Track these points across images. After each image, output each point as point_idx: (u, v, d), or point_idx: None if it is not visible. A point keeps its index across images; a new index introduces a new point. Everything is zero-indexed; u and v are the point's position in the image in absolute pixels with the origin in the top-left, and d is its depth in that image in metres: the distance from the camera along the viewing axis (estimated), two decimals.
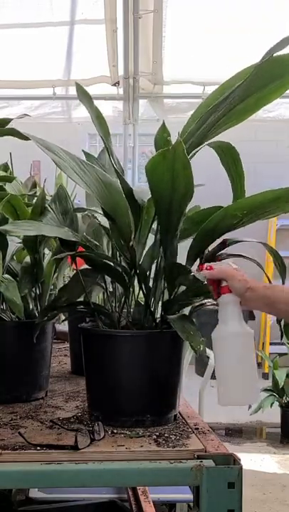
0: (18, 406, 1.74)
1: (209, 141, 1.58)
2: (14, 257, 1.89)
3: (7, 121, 1.71)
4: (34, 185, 2.38)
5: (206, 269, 1.51)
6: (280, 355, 5.05)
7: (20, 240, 1.89)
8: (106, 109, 5.95)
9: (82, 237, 1.70)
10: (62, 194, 1.76)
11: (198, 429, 1.53)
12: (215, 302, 1.59)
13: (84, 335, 1.64)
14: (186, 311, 1.66)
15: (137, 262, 1.60)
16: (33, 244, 1.80)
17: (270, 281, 1.86)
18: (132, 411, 1.54)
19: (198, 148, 1.56)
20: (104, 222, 1.70)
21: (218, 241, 1.58)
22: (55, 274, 1.90)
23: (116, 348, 1.55)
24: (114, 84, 5.86)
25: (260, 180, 4.24)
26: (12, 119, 1.67)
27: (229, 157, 1.60)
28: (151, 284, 1.64)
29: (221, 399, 1.47)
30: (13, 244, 1.85)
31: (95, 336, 1.62)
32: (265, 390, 4.79)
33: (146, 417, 1.53)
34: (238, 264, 1.54)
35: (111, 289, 1.71)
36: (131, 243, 1.57)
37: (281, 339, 1.62)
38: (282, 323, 1.63)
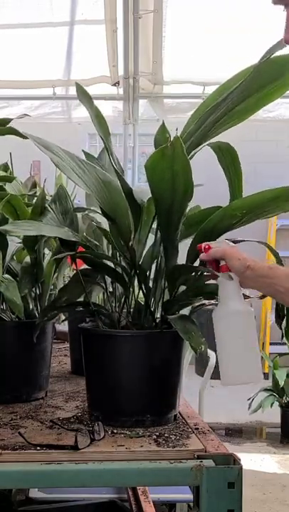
0: (18, 406, 1.74)
1: (209, 142, 1.58)
2: (14, 257, 1.89)
3: (7, 121, 1.71)
4: (34, 185, 2.38)
5: (204, 248, 1.49)
6: (280, 355, 5.05)
7: (20, 240, 1.89)
8: (106, 109, 5.95)
9: (82, 237, 1.70)
10: (62, 194, 1.76)
11: (198, 429, 1.53)
12: (215, 302, 1.59)
13: (84, 335, 1.64)
14: (186, 311, 1.66)
15: (137, 262, 1.60)
16: (33, 244, 1.80)
17: None
18: (132, 411, 1.54)
19: (198, 149, 1.56)
20: (104, 222, 1.70)
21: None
22: (55, 274, 1.90)
23: (116, 348, 1.55)
24: (114, 84, 5.86)
25: (260, 180, 4.23)
26: (12, 119, 1.67)
27: (228, 157, 1.60)
28: (151, 284, 1.64)
29: (223, 379, 1.44)
30: (13, 244, 1.85)
31: (94, 336, 1.62)
32: (265, 389, 4.78)
33: (146, 417, 1.53)
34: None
35: (111, 289, 1.71)
36: (131, 243, 1.57)
37: (282, 339, 1.62)
38: (284, 324, 1.62)
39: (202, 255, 1.49)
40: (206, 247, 1.48)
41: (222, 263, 1.47)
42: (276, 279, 1.44)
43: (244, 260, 1.45)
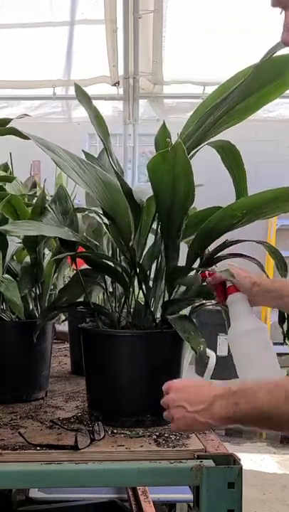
0: (18, 406, 1.74)
1: (209, 141, 1.58)
2: (14, 257, 1.89)
3: (7, 121, 1.71)
4: (34, 185, 2.38)
5: (208, 273, 1.51)
6: (281, 355, 5.04)
7: (21, 240, 1.89)
8: (106, 109, 5.95)
9: (82, 237, 1.70)
10: (62, 194, 1.76)
11: None
12: (215, 302, 1.59)
13: (84, 335, 1.64)
14: (186, 311, 1.66)
15: (137, 262, 1.60)
16: (33, 244, 1.80)
17: None
18: (132, 411, 1.54)
19: (198, 148, 1.56)
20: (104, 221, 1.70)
21: (219, 241, 1.58)
22: (55, 275, 1.90)
23: (116, 348, 1.55)
24: (114, 85, 5.86)
25: (260, 180, 4.23)
26: (12, 119, 1.67)
27: (231, 156, 1.61)
28: (151, 284, 1.64)
29: None
30: (13, 244, 1.85)
31: (95, 336, 1.62)
32: None
33: (146, 417, 1.53)
34: (237, 264, 1.54)
35: (111, 289, 1.71)
36: (131, 243, 1.57)
37: (283, 341, 1.62)
38: (285, 326, 1.62)
39: (208, 280, 1.51)
40: (209, 274, 1.50)
41: (228, 284, 1.48)
42: (284, 291, 1.44)
43: (250, 278, 1.46)
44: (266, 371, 1.43)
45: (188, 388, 1.23)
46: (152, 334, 1.59)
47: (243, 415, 1.15)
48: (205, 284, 1.55)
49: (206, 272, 1.52)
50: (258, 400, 1.13)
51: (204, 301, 1.66)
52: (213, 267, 1.55)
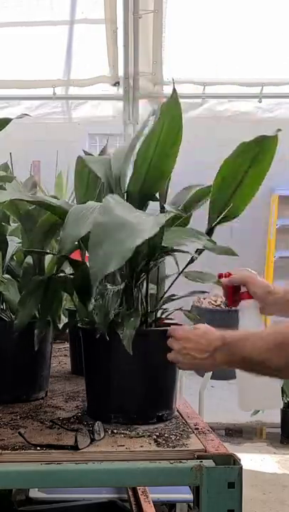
0: (18, 406, 1.74)
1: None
2: (14, 257, 1.89)
3: (7, 121, 1.71)
4: (34, 185, 2.38)
5: (225, 276, 1.51)
6: None
7: (21, 240, 1.89)
8: (106, 109, 5.95)
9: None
10: None
11: (198, 429, 1.53)
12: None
13: (82, 335, 1.64)
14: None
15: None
16: (38, 245, 1.79)
17: None
18: (131, 411, 1.54)
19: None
20: None
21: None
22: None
23: (114, 347, 1.55)
24: (114, 84, 5.87)
25: None
26: (12, 119, 1.67)
27: None
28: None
29: (242, 404, 1.47)
30: (13, 244, 1.85)
31: (90, 335, 1.61)
32: None
33: (146, 416, 1.53)
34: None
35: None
36: None
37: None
38: None
39: (224, 280, 1.51)
40: (227, 274, 1.52)
41: (243, 290, 1.48)
42: None
43: (266, 286, 1.48)
44: (266, 382, 1.43)
45: (195, 339, 1.40)
46: (146, 333, 1.59)
47: (237, 363, 1.36)
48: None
49: (224, 273, 1.52)
50: (246, 351, 1.32)
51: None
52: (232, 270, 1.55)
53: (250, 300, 1.48)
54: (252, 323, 1.46)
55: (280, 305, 1.49)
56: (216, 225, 1.57)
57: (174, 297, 1.69)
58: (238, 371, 1.45)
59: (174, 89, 1.44)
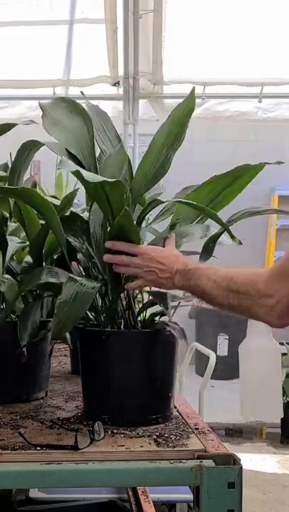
0: (18, 406, 1.74)
1: None
2: (14, 257, 1.89)
3: (10, 126, 1.71)
4: (34, 185, 2.38)
5: None
6: (281, 355, 5.04)
7: (20, 240, 1.89)
8: (106, 109, 5.94)
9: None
10: None
11: (198, 429, 1.53)
12: None
13: (79, 334, 1.65)
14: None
15: None
16: (37, 248, 1.79)
17: None
18: (130, 411, 1.54)
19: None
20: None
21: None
22: None
23: (112, 347, 1.55)
24: (114, 84, 5.86)
25: (260, 180, 4.23)
26: (16, 124, 1.67)
27: None
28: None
29: (244, 413, 1.46)
30: (13, 244, 1.85)
31: (90, 335, 1.61)
32: None
33: (146, 416, 1.53)
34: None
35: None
36: None
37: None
38: None
39: None
40: None
41: None
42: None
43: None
44: (270, 391, 1.43)
45: (159, 259, 1.50)
46: (144, 333, 1.59)
47: (192, 288, 1.47)
48: None
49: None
50: (201, 282, 1.43)
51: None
52: None
53: None
54: (260, 330, 1.45)
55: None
56: None
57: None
58: (241, 383, 1.45)
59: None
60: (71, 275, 1.55)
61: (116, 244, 1.53)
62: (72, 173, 1.43)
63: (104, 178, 1.44)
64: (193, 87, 1.61)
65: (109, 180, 1.43)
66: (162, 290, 1.54)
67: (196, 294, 1.49)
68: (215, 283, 1.41)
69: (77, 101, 1.66)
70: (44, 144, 1.53)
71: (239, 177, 1.62)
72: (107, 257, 1.54)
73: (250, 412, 1.46)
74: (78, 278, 1.53)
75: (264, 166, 1.61)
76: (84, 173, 1.42)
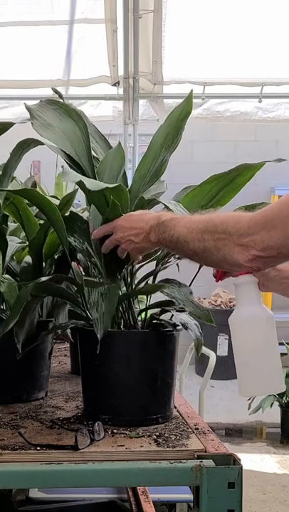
0: (18, 406, 1.73)
1: None
2: (14, 257, 1.89)
3: (9, 124, 1.70)
4: (34, 185, 2.38)
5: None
6: (281, 355, 5.04)
7: (20, 240, 1.89)
8: (106, 109, 5.95)
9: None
10: None
11: (198, 429, 1.53)
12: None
13: (78, 334, 1.65)
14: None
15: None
16: (36, 247, 1.79)
17: None
18: (130, 411, 1.54)
19: None
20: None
21: None
22: None
23: (112, 347, 1.55)
24: (114, 84, 5.85)
25: (260, 180, 4.24)
26: (14, 123, 1.66)
27: None
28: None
29: (242, 389, 1.39)
30: (13, 244, 1.85)
31: (91, 335, 1.61)
32: None
33: (146, 416, 1.53)
34: None
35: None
36: None
37: None
38: None
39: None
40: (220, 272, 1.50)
41: None
42: None
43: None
44: (269, 361, 1.36)
45: (132, 223, 1.47)
46: (144, 333, 1.59)
47: (168, 240, 1.40)
48: None
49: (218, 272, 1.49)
50: (176, 231, 1.37)
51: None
52: None
53: (250, 275, 1.37)
54: (250, 299, 1.39)
55: (283, 283, 1.46)
56: None
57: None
58: (236, 356, 1.39)
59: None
60: None
61: (95, 234, 1.53)
62: (77, 183, 1.45)
63: (107, 185, 1.45)
64: (191, 90, 1.60)
65: (110, 186, 1.44)
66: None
67: (172, 246, 1.41)
68: (190, 227, 1.36)
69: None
70: (40, 142, 1.53)
71: (239, 175, 1.62)
72: (103, 249, 1.54)
73: (249, 387, 1.38)
74: None
75: (264, 164, 1.60)
76: (87, 182, 1.43)
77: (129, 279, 1.64)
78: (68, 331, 1.95)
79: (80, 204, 2.03)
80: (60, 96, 1.70)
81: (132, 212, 1.52)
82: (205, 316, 1.51)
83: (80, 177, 1.46)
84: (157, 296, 1.63)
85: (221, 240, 1.29)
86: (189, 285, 1.62)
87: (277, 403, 4.78)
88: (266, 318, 1.37)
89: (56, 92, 1.73)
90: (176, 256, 1.62)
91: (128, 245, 1.48)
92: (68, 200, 1.73)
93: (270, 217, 1.24)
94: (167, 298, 1.60)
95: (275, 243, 1.23)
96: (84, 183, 1.42)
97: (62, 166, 1.62)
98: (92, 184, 1.44)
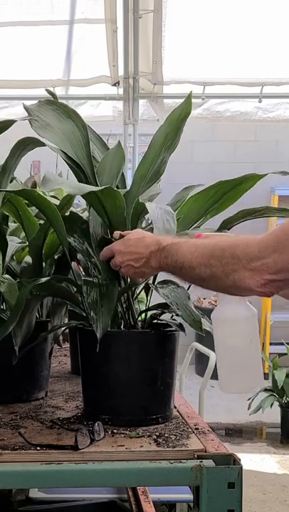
0: (18, 406, 1.74)
1: None
2: (14, 257, 1.89)
3: (10, 122, 1.70)
4: (34, 185, 2.38)
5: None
6: (280, 355, 5.05)
7: (20, 240, 1.89)
8: (106, 109, 5.95)
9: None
10: None
11: (198, 429, 1.53)
12: None
13: (78, 334, 1.65)
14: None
15: None
16: (36, 247, 1.79)
17: None
18: (130, 411, 1.54)
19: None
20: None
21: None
22: None
23: (112, 347, 1.55)
24: (114, 84, 5.85)
25: (260, 179, 4.23)
26: (16, 120, 1.66)
27: None
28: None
29: (224, 387, 1.39)
30: (13, 244, 1.85)
31: (91, 335, 1.61)
32: (265, 390, 4.78)
33: (146, 416, 1.53)
34: None
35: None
36: None
37: None
38: None
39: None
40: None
41: None
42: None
43: None
44: (250, 359, 1.37)
45: (130, 248, 1.45)
46: (144, 334, 1.59)
47: (170, 266, 1.38)
48: None
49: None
50: (179, 256, 1.35)
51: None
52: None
53: None
54: (230, 297, 1.33)
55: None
56: None
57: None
58: (217, 353, 1.39)
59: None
60: None
61: (101, 256, 1.54)
62: (54, 190, 1.44)
63: (92, 188, 1.44)
64: (190, 92, 1.60)
65: (95, 189, 1.44)
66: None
67: (176, 271, 1.39)
68: (195, 252, 1.31)
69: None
70: (40, 142, 1.53)
71: (243, 182, 1.64)
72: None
73: (230, 384, 1.38)
74: None
75: (268, 174, 1.64)
76: (67, 187, 1.43)
77: (128, 279, 1.64)
78: (61, 337, 1.96)
79: (80, 204, 2.03)
80: (55, 97, 1.70)
81: (129, 235, 1.48)
82: (195, 324, 1.47)
83: (59, 184, 1.46)
84: (157, 297, 1.63)
85: (230, 264, 1.24)
86: (189, 285, 1.62)
87: (278, 403, 4.78)
88: (247, 317, 1.36)
89: (51, 93, 1.73)
90: None
91: (128, 270, 1.47)
92: (68, 200, 1.73)
93: (283, 238, 1.20)
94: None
95: None
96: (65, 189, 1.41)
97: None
98: (74, 189, 1.44)
